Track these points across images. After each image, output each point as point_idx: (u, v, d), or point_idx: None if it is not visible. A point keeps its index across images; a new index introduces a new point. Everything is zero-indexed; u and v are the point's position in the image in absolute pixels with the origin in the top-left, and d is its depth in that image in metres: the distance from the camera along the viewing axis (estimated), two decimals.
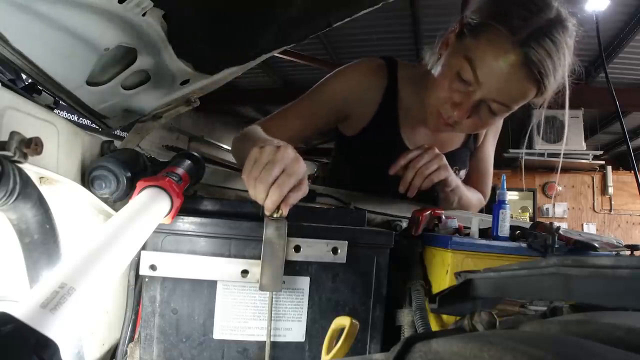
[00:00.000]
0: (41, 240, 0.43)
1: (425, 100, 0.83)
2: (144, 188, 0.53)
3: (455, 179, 0.90)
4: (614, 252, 0.71)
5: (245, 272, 0.61)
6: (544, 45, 0.66)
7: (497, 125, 1.10)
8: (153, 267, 0.59)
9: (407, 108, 0.94)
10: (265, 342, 0.63)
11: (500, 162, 5.53)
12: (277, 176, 0.51)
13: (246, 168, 0.53)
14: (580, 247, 0.68)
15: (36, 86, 0.67)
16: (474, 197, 1.07)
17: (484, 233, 0.75)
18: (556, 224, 0.72)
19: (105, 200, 0.59)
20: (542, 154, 5.17)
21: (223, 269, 0.61)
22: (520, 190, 5.63)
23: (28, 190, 0.41)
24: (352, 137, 0.99)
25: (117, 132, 0.87)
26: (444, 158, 0.81)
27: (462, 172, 1.08)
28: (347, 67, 0.95)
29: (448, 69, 0.75)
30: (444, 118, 0.80)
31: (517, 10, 0.67)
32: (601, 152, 5.35)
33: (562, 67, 0.71)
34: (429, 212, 0.77)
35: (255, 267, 0.61)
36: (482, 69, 0.70)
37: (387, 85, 0.92)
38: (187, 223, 0.61)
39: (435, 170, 0.79)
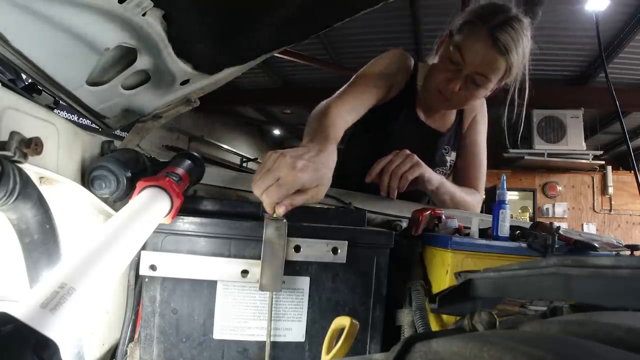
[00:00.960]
0: (41, 240, 0.43)
1: (428, 85, 1.06)
2: (144, 188, 0.53)
3: (436, 177, 0.96)
4: (614, 252, 0.71)
5: (245, 272, 0.61)
6: (507, 31, 0.92)
7: (483, 112, 1.23)
8: (153, 267, 0.59)
9: (422, 93, 1.13)
10: (265, 342, 0.63)
11: (501, 162, 5.56)
12: (269, 185, 0.57)
13: (258, 169, 0.61)
14: (580, 247, 0.68)
15: (36, 86, 0.67)
16: (469, 196, 1.09)
17: (484, 233, 0.75)
18: (556, 224, 0.72)
19: (105, 200, 0.59)
20: (542, 154, 5.17)
21: (223, 269, 0.61)
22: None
23: (28, 190, 0.41)
24: (377, 106, 1.09)
25: (117, 132, 0.87)
26: (415, 157, 0.90)
27: (453, 154, 1.21)
28: (391, 51, 1.14)
29: (442, 59, 1.01)
30: (443, 94, 1.01)
31: (487, 12, 0.95)
32: (601, 152, 5.35)
33: (522, 48, 0.95)
34: (429, 212, 0.77)
35: (255, 267, 0.61)
36: (467, 51, 0.95)
37: (412, 72, 1.13)
38: (187, 223, 0.61)
39: (409, 169, 0.87)
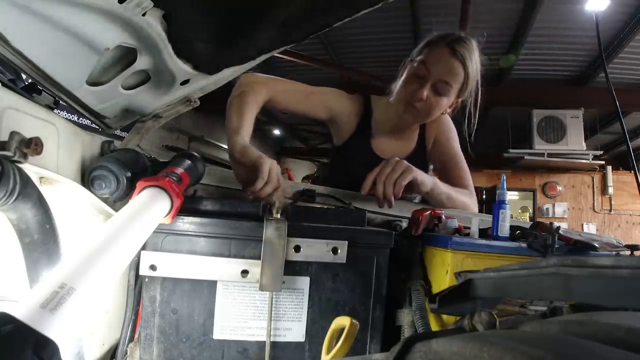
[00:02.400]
0: (41, 240, 0.43)
1: (396, 104, 1.15)
2: (144, 188, 0.53)
3: (429, 179, 0.98)
4: (614, 252, 0.71)
5: (245, 272, 0.61)
6: (462, 44, 1.07)
7: (446, 130, 1.29)
8: (153, 267, 0.59)
9: (378, 125, 1.25)
10: (265, 342, 0.63)
11: (501, 162, 5.56)
12: (269, 193, 0.75)
13: (257, 180, 0.75)
14: (580, 247, 0.68)
15: (36, 86, 0.67)
16: (464, 195, 1.12)
17: (484, 233, 0.75)
18: (556, 224, 0.72)
19: (105, 200, 0.59)
20: (542, 154, 5.17)
21: (223, 269, 0.61)
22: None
23: (28, 190, 0.41)
24: (339, 146, 1.28)
25: (117, 132, 0.87)
26: (405, 162, 0.92)
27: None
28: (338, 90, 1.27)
29: (408, 77, 1.13)
30: (411, 105, 1.11)
31: (444, 34, 1.11)
32: (601, 152, 5.34)
33: (475, 61, 1.09)
34: (429, 212, 0.77)
35: (255, 267, 0.61)
36: (430, 63, 1.08)
37: (364, 111, 1.25)
38: (187, 223, 0.61)
39: (400, 175, 0.89)
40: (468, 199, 1.12)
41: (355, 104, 1.25)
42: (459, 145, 1.29)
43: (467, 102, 1.17)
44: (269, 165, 0.77)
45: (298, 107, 1.16)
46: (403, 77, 1.15)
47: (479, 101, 1.17)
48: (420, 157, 1.26)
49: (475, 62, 1.09)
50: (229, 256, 0.62)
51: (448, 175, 1.23)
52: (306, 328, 0.65)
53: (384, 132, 1.25)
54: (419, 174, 0.92)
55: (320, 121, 1.26)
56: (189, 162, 0.69)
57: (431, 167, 1.30)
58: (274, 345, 0.63)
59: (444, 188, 1.03)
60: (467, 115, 1.19)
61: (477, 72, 1.12)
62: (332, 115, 1.22)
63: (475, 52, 1.10)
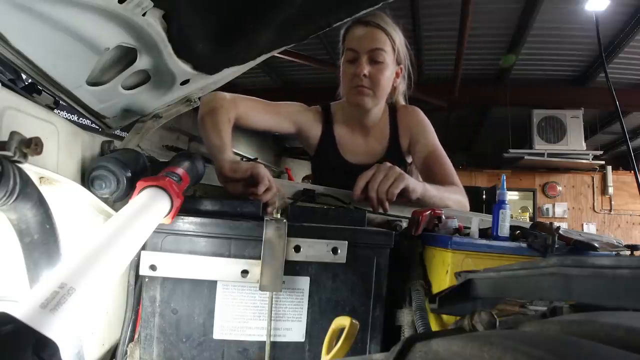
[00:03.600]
0: (41, 240, 0.43)
1: (346, 96, 1.18)
2: (144, 188, 0.53)
3: (419, 185, 0.95)
4: (614, 252, 0.71)
5: (245, 272, 0.61)
6: (373, 16, 1.10)
7: (422, 128, 1.25)
8: (153, 267, 0.59)
9: (341, 129, 1.26)
10: (265, 342, 0.63)
11: (501, 162, 5.56)
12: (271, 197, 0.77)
13: (259, 187, 0.77)
14: (580, 247, 0.68)
15: (36, 86, 0.67)
16: (455, 194, 1.07)
17: (484, 233, 0.75)
18: (556, 224, 0.72)
19: (105, 200, 0.59)
20: (542, 154, 5.17)
21: (223, 269, 0.61)
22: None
23: (28, 190, 0.41)
24: (312, 157, 1.30)
25: (117, 132, 0.87)
26: (397, 168, 0.90)
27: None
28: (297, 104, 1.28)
29: (344, 67, 1.16)
30: (359, 86, 1.12)
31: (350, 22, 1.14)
32: (601, 152, 5.35)
33: (396, 31, 1.13)
34: (429, 212, 0.77)
35: (255, 267, 0.61)
36: (353, 43, 1.12)
37: (325, 119, 1.26)
38: (187, 223, 0.61)
39: (393, 183, 0.87)
40: (460, 197, 1.08)
41: (315, 114, 1.26)
42: (436, 138, 1.25)
43: (407, 68, 1.21)
44: (264, 171, 0.78)
45: (265, 123, 1.16)
46: (341, 71, 1.18)
47: (413, 61, 1.24)
48: (395, 156, 1.24)
49: (391, 25, 1.12)
50: (229, 256, 0.62)
51: (432, 172, 1.18)
52: (306, 328, 0.65)
53: (349, 134, 1.26)
54: (410, 182, 0.90)
55: (290, 135, 1.28)
56: (189, 162, 0.69)
57: (409, 161, 1.28)
58: (274, 345, 0.63)
59: (434, 191, 1.00)
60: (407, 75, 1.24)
61: (400, 36, 1.15)
62: (298, 128, 1.24)
63: (392, 24, 1.13)
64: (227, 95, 1.06)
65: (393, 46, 1.12)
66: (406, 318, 0.67)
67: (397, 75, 1.19)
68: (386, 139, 1.25)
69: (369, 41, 1.09)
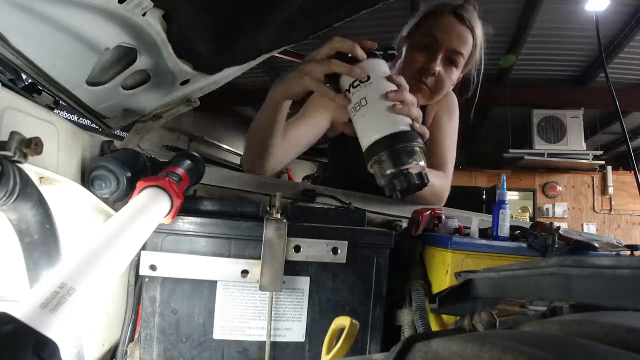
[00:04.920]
0: (41, 240, 0.43)
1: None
2: (144, 188, 0.53)
3: None
4: (614, 252, 0.71)
5: (245, 272, 0.61)
6: (466, 9, 1.01)
7: (449, 108, 1.20)
8: (153, 267, 0.59)
9: None
10: (265, 342, 0.63)
11: (501, 162, 5.56)
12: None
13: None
14: (580, 247, 0.68)
15: (36, 86, 0.67)
16: (433, 177, 1.01)
17: (484, 233, 0.75)
18: (556, 224, 0.72)
19: (105, 200, 0.59)
20: (542, 154, 5.17)
21: (223, 269, 0.61)
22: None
23: (28, 190, 0.41)
24: (336, 138, 1.18)
25: (117, 132, 0.87)
26: None
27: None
28: None
29: (412, 51, 1.03)
30: (421, 81, 1.02)
31: (442, 3, 1.03)
32: (601, 152, 5.35)
33: (480, 28, 1.03)
34: (429, 212, 0.77)
35: (255, 267, 0.61)
36: (438, 31, 1.00)
37: None
38: (187, 223, 0.61)
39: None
40: (437, 180, 1.01)
41: None
42: (456, 127, 1.19)
43: (471, 74, 1.09)
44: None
45: (309, 137, 1.04)
46: (405, 52, 1.04)
47: (482, 71, 1.09)
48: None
49: (479, 29, 1.02)
50: (229, 256, 0.62)
51: (430, 154, 1.09)
52: (306, 328, 0.65)
53: None
54: None
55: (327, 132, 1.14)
56: (189, 162, 0.69)
57: None
58: (274, 345, 0.63)
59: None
60: (472, 88, 1.10)
61: (482, 41, 1.05)
62: (331, 118, 1.10)
63: (476, 15, 1.03)
64: None
65: (471, 52, 1.04)
66: (406, 318, 0.67)
67: (459, 76, 1.09)
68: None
69: (455, 40, 0.99)
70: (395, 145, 0.55)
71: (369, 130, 0.58)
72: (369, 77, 0.60)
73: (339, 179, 1.14)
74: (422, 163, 0.56)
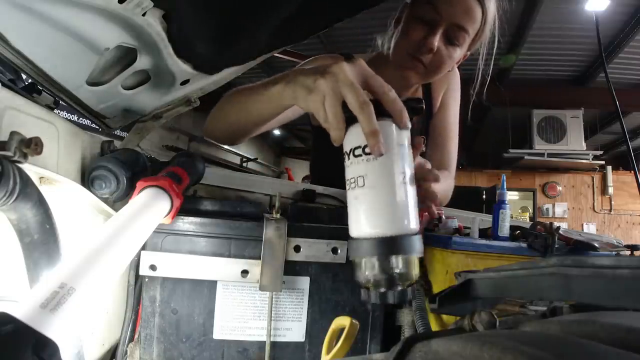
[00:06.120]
0: (41, 240, 0.43)
1: (394, 55, 0.94)
2: (143, 188, 0.53)
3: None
4: (614, 252, 0.71)
5: (245, 272, 0.61)
6: None
7: (455, 87, 1.12)
8: (153, 267, 0.59)
9: None
10: (265, 342, 0.63)
11: (501, 162, 5.55)
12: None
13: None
14: (580, 247, 0.68)
15: (36, 86, 0.67)
16: (445, 185, 0.96)
17: (484, 233, 0.75)
18: (556, 224, 0.72)
19: (105, 200, 0.59)
20: (542, 154, 5.17)
21: (223, 269, 0.61)
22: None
23: (28, 190, 0.41)
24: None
25: (117, 132, 0.87)
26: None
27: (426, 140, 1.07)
28: (315, 58, 1.02)
29: (410, 22, 0.89)
30: (417, 59, 0.89)
31: None
32: (601, 152, 5.35)
33: (493, 1, 0.89)
34: None
35: (255, 267, 0.61)
36: (441, 5, 0.85)
37: None
38: (187, 223, 0.61)
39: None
40: (446, 186, 0.98)
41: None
42: (458, 111, 1.10)
43: (479, 55, 0.96)
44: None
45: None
46: (403, 24, 0.92)
47: (493, 56, 0.95)
48: (426, 118, 1.05)
49: (492, 3, 0.89)
50: (229, 256, 0.62)
51: (434, 150, 1.06)
52: (306, 328, 0.65)
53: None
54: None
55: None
56: (189, 162, 0.69)
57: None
58: (274, 345, 0.63)
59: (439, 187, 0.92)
60: (476, 75, 0.96)
61: (494, 17, 0.92)
62: None
63: None
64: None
65: (479, 29, 0.89)
66: (406, 318, 0.67)
67: (462, 58, 0.96)
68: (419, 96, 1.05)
69: (459, 14, 0.85)
70: (389, 255, 0.43)
71: (361, 220, 0.44)
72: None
73: (327, 173, 1.07)
74: (413, 281, 0.45)
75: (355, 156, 0.45)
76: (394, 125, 0.46)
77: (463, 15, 0.86)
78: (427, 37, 0.86)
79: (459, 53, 0.91)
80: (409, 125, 0.46)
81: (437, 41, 0.86)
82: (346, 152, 0.46)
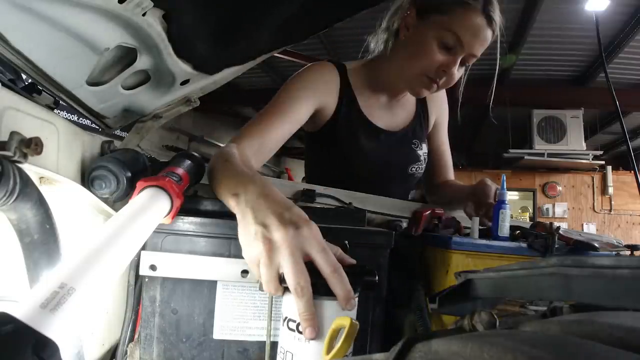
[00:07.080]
0: (41, 240, 0.43)
1: (407, 71, 0.98)
2: (143, 188, 0.53)
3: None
4: (614, 252, 0.71)
5: (245, 272, 0.61)
6: (494, 5, 0.90)
7: (445, 107, 1.24)
8: (153, 267, 0.59)
9: (361, 93, 1.08)
10: (265, 342, 0.63)
11: (501, 162, 5.55)
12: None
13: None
14: (580, 247, 0.68)
15: (36, 86, 0.67)
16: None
17: (484, 233, 0.75)
18: (556, 224, 0.72)
19: (105, 200, 0.59)
20: (542, 154, 5.17)
21: (223, 269, 0.61)
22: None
23: (28, 190, 0.41)
24: (321, 129, 1.08)
25: (117, 132, 0.87)
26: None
27: (424, 146, 1.17)
28: (307, 67, 1.07)
29: (428, 42, 0.92)
30: (432, 80, 0.95)
31: None
32: (601, 152, 5.35)
33: (499, 21, 0.93)
34: (429, 212, 0.77)
35: None
36: (465, 34, 0.89)
37: (341, 79, 1.06)
38: (187, 223, 0.61)
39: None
40: None
41: (332, 75, 1.05)
42: (446, 131, 1.25)
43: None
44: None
45: (286, 135, 0.93)
46: (420, 45, 0.93)
47: (497, 63, 1.03)
48: (421, 127, 1.16)
49: (499, 24, 0.94)
50: (229, 256, 0.62)
51: (434, 166, 1.22)
52: None
53: (374, 99, 1.09)
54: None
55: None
56: (189, 162, 0.69)
57: (425, 146, 1.18)
58: (274, 345, 0.63)
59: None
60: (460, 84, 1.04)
61: (499, 33, 0.97)
62: (317, 105, 1.03)
63: (500, 13, 0.94)
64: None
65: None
66: (406, 318, 0.67)
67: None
68: (412, 112, 1.15)
69: (477, 45, 0.91)
70: None
71: None
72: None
73: (321, 177, 1.10)
74: None
75: (289, 328, 0.43)
76: (336, 304, 0.42)
77: (480, 46, 0.92)
78: (449, 65, 0.92)
79: (462, 72, 1.00)
80: (355, 304, 0.43)
81: (456, 69, 0.93)
82: (282, 315, 0.45)
